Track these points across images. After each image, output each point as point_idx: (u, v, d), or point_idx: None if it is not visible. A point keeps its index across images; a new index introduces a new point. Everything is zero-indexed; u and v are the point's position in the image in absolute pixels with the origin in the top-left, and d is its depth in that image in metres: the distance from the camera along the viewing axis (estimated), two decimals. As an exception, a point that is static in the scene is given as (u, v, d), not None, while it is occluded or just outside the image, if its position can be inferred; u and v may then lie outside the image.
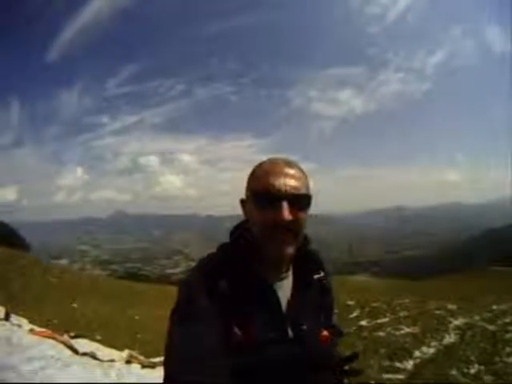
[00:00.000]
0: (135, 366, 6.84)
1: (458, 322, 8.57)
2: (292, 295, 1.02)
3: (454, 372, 5.83)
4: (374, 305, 12.27)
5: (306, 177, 1.02)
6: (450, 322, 8.50)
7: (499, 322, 8.34)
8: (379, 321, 9.80)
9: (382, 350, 6.78)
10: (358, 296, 14.19)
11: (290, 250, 0.96)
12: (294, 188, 0.94)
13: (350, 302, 12.99)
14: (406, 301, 12.26)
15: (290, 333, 0.97)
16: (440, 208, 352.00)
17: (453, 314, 9.16)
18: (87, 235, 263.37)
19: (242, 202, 1.05)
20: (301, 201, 0.95)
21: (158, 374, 6.12)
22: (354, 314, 11.29)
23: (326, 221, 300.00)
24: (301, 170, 1.00)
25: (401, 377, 5.95)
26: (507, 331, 7.72)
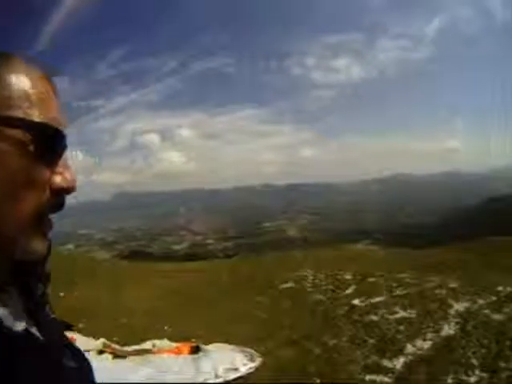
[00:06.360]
0: (106, 357, 6.54)
1: (460, 306, 7.68)
2: None
3: (450, 380, 4.95)
4: (371, 280, 11.69)
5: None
6: (451, 306, 7.69)
7: (506, 309, 7.09)
8: (373, 300, 9.19)
9: (371, 341, 6.09)
10: (355, 268, 13.58)
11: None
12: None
13: (347, 277, 12.40)
14: (405, 275, 11.68)
15: None
16: (440, 176, 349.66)
17: (454, 295, 8.40)
18: (91, 218, 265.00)
19: None
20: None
21: (126, 364, 5.85)
22: (349, 291, 10.72)
23: (326, 189, 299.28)
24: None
25: (387, 380, 5.20)
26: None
